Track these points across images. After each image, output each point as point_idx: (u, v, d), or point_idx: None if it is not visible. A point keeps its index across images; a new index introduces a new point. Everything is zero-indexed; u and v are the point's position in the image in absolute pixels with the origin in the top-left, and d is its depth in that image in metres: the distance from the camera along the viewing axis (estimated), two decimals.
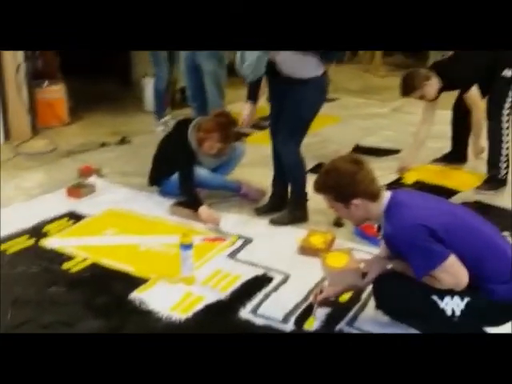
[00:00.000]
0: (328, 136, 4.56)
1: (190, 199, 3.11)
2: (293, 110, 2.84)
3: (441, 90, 3.54)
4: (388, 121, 5.16)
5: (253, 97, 3.03)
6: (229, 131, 3.10)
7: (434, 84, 3.47)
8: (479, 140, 3.56)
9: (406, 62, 8.00)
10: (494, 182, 3.47)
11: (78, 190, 3.39)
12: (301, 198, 3.04)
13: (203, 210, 3.01)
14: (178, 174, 3.15)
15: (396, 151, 4.23)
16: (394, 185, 3.43)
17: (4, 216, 3.06)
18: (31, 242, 2.80)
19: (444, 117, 3.96)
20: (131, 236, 2.89)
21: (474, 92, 3.42)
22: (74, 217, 3.11)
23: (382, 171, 3.62)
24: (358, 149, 4.27)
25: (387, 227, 1.94)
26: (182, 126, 3.26)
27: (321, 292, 2.21)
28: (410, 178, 3.64)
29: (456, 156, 3.90)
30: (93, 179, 3.61)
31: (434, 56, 5.14)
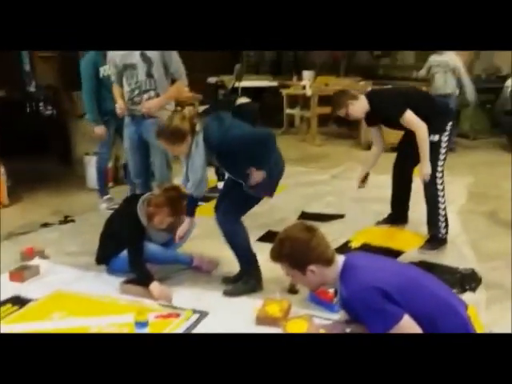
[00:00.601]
0: (274, 204, 4.64)
1: (140, 275, 3.04)
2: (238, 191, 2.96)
3: (370, 119, 3.72)
4: (329, 187, 5.35)
5: (191, 213, 3.11)
6: (179, 205, 3.11)
7: (359, 105, 3.61)
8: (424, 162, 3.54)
9: (340, 131, 8.46)
10: (435, 241, 3.63)
11: (21, 273, 3.24)
12: (250, 267, 3.06)
13: (154, 286, 2.95)
14: (127, 250, 3.09)
15: (340, 216, 4.37)
16: (343, 249, 3.51)
17: None
18: None
19: (387, 181, 4.15)
20: (81, 318, 2.77)
21: (408, 116, 3.46)
22: (19, 301, 2.95)
23: (329, 236, 3.72)
24: (304, 215, 4.38)
25: (342, 291, 1.98)
26: (131, 201, 3.24)
27: None
28: (356, 242, 3.75)
29: (397, 217, 4.06)
30: (36, 261, 3.47)
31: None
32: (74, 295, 3.05)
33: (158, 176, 3.93)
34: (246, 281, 3.04)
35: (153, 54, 3.63)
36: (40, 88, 7.47)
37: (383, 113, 3.61)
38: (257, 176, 2.87)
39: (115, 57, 3.73)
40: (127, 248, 3.08)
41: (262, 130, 3.02)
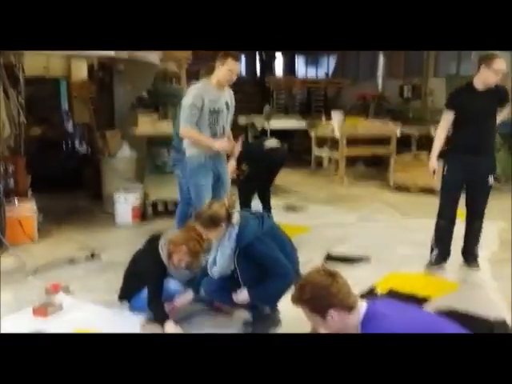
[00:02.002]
0: (299, 245, 4.60)
1: (156, 314, 3.04)
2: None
3: None
4: (356, 229, 5.29)
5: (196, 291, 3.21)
6: (197, 245, 3.13)
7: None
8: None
9: (368, 172, 8.42)
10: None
11: (44, 309, 3.27)
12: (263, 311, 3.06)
13: (169, 326, 2.94)
14: (147, 287, 3.11)
15: (366, 258, 4.29)
16: (368, 294, 3.43)
17: None
18: None
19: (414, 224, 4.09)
20: None
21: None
22: None
23: (354, 279, 3.66)
24: (329, 257, 4.32)
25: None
26: (154, 240, 3.27)
27: None
28: (382, 287, 3.66)
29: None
30: (60, 297, 3.50)
31: None
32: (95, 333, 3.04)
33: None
34: (262, 322, 3.02)
35: (231, 103, 4.05)
36: (76, 127, 7.75)
37: None
38: (240, 298, 2.94)
39: (202, 101, 3.87)
40: (147, 286, 3.09)
41: (286, 267, 2.94)
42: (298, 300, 2.02)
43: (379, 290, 3.60)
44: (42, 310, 3.26)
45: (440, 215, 3.97)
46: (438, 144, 3.92)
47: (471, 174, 3.84)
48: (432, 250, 4.03)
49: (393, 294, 3.48)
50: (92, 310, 3.38)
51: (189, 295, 3.17)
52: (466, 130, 3.77)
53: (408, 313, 2.06)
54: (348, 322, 1.96)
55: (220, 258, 2.97)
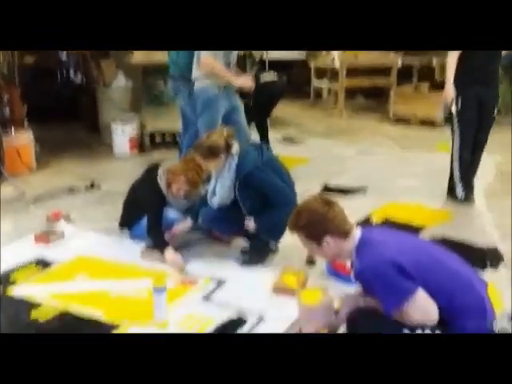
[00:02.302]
0: (297, 177, 4.62)
1: (155, 241, 3.10)
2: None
3: None
4: (354, 162, 5.29)
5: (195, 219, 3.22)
6: (195, 175, 3.14)
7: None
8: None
9: (368, 105, 8.31)
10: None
11: (46, 236, 3.33)
12: (256, 238, 3.09)
13: (168, 252, 3.00)
14: (146, 216, 3.15)
15: (363, 189, 4.33)
16: (364, 223, 3.48)
17: None
18: None
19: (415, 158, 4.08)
20: (102, 282, 2.84)
21: None
22: (43, 263, 3.05)
23: (350, 210, 3.70)
24: (327, 188, 4.35)
25: (356, 264, 1.98)
26: (153, 169, 3.28)
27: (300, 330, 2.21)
28: (378, 216, 3.71)
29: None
30: (61, 225, 3.55)
31: None
32: (97, 259, 3.12)
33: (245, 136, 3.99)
34: (259, 250, 3.08)
35: None
36: (70, 56, 7.54)
37: None
38: (249, 225, 2.97)
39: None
40: (146, 214, 3.13)
41: (288, 195, 2.97)
42: (294, 226, 2.06)
43: (375, 219, 3.66)
44: (43, 237, 3.32)
45: (463, 148, 3.92)
46: (451, 73, 3.84)
47: (480, 105, 3.83)
48: (453, 186, 4.01)
49: (388, 223, 3.54)
50: (93, 237, 3.45)
51: (188, 223, 3.21)
52: (476, 59, 3.70)
53: (402, 239, 2.10)
54: (343, 248, 2.01)
55: (220, 189, 2.99)
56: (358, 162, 5.30)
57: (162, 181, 3.17)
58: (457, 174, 3.99)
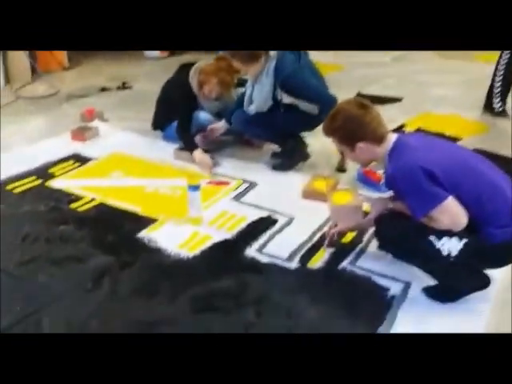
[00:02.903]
0: (331, 83, 4.52)
1: (185, 142, 3.14)
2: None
3: None
4: (389, 69, 5.13)
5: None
6: (227, 76, 3.09)
7: None
8: None
9: None
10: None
11: (82, 133, 3.40)
12: (285, 142, 3.09)
13: (197, 153, 3.05)
14: (178, 116, 3.17)
15: (397, 99, 4.23)
16: (396, 132, 3.43)
17: (8, 159, 3.09)
18: (38, 182, 2.83)
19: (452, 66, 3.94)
20: (137, 178, 2.93)
21: None
22: (80, 159, 3.14)
23: (384, 119, 3.65)
24: (361, 96, 4.26)
25: (388, 168, 1.98)
26: (184, 69, 3.24)
27: (334, 226, 2.29)
28: (412, 126, 3.66)
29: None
30: (96, 123, 3.61)
31: None
32: (132, 157, 3.20)
33: None
34: (290, 155, 3.09)
35: None
36: None
37: None
38: None
39: None
40: (177, 114, 3.15)
41: (328, 95, 2.88)
42: (328, 129, 2.04)
43: (408, 129, 3.61)
44: (79, 134, 3.39)
45: (510, 63, 3.76)
46: None
47: None
48: (491, 98, 3.88)
49: (422, 133, 3.49)
50: (128, 136, 3.51)
51: (222, 124, 3.21)
52: None
53: (437, 146, 2.07)
54: (376, 153, 2.00)
55: (257, 95, 2.93)
56: (394, 69, 5.13)
57: (193, 80, 3.15)
58: (497, 86, 3.85)
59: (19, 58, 4.47)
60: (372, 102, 3.99)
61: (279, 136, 3.07)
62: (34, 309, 1.89)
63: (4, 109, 3.93)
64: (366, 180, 2.87)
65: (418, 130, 3.58)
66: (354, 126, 1.95)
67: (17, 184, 2.80)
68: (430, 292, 2.03)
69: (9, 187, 2.76)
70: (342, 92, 4.25)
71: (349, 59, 5.34)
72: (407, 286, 2.08)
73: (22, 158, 3.13)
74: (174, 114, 3.21)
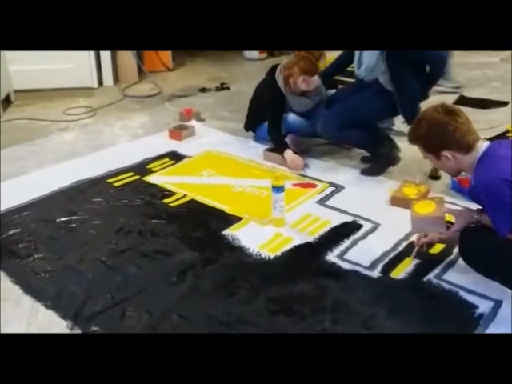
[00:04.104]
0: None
1: (275, 142, 3.17)
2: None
3: None
4: (497, 71, 4.81)
5: None
6: (308, 63, 3.09)
7: None
8: None
9: None
10: None
11: (179, 132, 3.56)
12: (376, 149, 3.00)
13: (288, 154, 3.06)
14: (267, 117, 3.21)
15: (503, 103, 3.96)
16: (501, 137, 3.23)
17: (111, 153, 3.32)
18: (136, 177, 3.01)
19: None
20: (226, 177, 3.01)
21: None
22: (175, 156, 3.29)
23: (488, 123, 3.45)
24: (463, 100, 4.05)
25: (473, 179, 1.87)
26: (273, 71, 3.29)
27: (425, 236, 2.21)
28: None
29: None
30: (193, 122, 3.76)
31: None
32: (224, 156, 3.30)
33: None
34: (380, 161, 3.01)
35: None
36: None
37: None
38: None
39: None
40: (267, 114, 3.19)
41: (440, 52, 2.77)
42: (412, 136, 1.97)
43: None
44: (177, 133, 3.56)
45: None
46: None
47: None
48: None
49: None
50: (221, 136, 3.62)
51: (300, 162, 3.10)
52: None
53: None
54: (463, 163, 1.89)
55: (367, 57, 2.84)
56: (503, 70, 4.80)
57: (279, 79, 3.19)
58: None
59: (127, 60, 4.78)
60: (475, 106, 3.84)
61: (370, 142, 3.00)
62: (121, 298, 2.02)
63: (112, 107, 4.22)
64: (460, 188, 2.73)
65: None
66: (437, 133, 1.86)
67: (117, 178, 3.00)
68: None
69: (110, 180, 2.97)
70: (443, 95, 4.09)
71: (453, 60, 5.08)
72: (498, 304, 1.95)
73: (125, 153, 3.34)
74: (265, 115, 3.26)
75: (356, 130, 2.93)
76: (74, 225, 2.52)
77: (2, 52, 4.11)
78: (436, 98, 3.60)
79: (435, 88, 4.15)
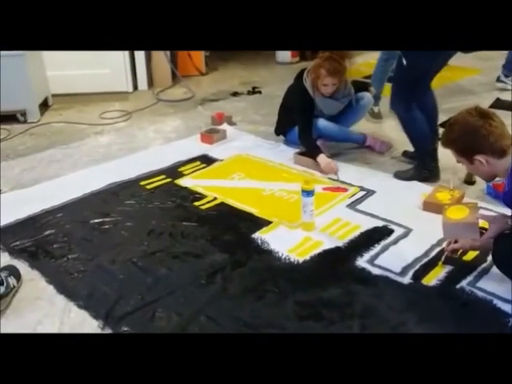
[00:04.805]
0: (466, 87, 4.26)
1: (308, 147, 3.16)
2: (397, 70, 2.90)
3: None
4: None
5: None
6: (333, 63, 3.06)
7: None
8: None
9: None
10: None
11: (210, 135, 3.59)
12: (425, 156, 2.93)
13: (322, 158, 3.05)
14: (298, 121, 3.21)
15: None
16: None
17: (144, 156, 3.38)
18: (167, 180, 3.05)
19: None
20: (256, 181, 3.02)
21: None
22: (206, 160, 3.32)
23: None
24: (498, 103, 3.95)
25: (507, 184, 1.82)
26: (300, 75, 3.28)
27: (455, 242, 2.17)
28: None
29: None
30: (224, 126, 3.79)
31: None
32: (254, 160, 3.31)
33: None
34: (419, 169, 2.95)
35: None
36: None
37: None
38: None
39: None
40: (297, 118, 3.18)
41: None
42: (445, 140, 1.95)
43: None
44: (208, 137, 3.59)
45: None
46: None
47: None
48: None
49: None
50: (252, 139, 3.64)
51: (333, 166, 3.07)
52: None
53: None
54: (497, 167, 1.85)
55: None
56: None
57: (307, 82, 3.18)
58: None
59: (162, 64, 4.86)
60: (511, 109, 3.74)
61: (427, 140, 2.91)
62: (151, 299, 2.04)
63: (146, 111, 4.29)
64: (496, 194, 2.66)
65: None
66: (470, 137, 1.83)
67: (150, 181, 3.04)
68: None
69: (142, 183, 3.02)
70: (478, 98, 4.01)
71: (486, 63, 4.97)
72: None
73: (157, 156, 3.39)
74: (295, 120, 3.25)
75: (423, 118, 2.87)
76: (106, 226, 2.57)
77: (40, 58, 4.24)
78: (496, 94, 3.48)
79: (497, 84, 4.08)
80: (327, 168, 3.02)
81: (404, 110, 2.86)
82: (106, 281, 2.17)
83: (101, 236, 2.50)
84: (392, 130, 3.21)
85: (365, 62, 4.99)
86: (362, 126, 3.56)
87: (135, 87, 4.82)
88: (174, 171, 3.16)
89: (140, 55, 4.75)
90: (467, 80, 4.39)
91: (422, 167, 2.94)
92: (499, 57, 5.19)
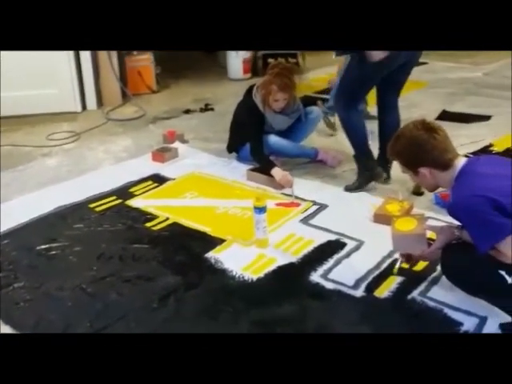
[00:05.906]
0: (414, 101, 4.38)
1: (260, 162, 3.16)
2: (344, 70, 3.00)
3: None
4: (479, 87, 4.86)
5: None
6: (284, 79, 3.11)
7: None
8: None
9: None
10: None
11: (162, 154, 3.55)
12: (363, 157, 2.99)
13: (276, 171, 3.05)
14: (249, 137, 3.22)
15: (486, 117, 3.99)
16: (483, 152, 3.26)
17: (94, 178, 3.30)
18: (118, 202, 2.98)
19: None
20: (209, 199, 2.99)
21: None
22: (158, 179, 3.27)
23: (470, 138, 3.47)
24: (445, 114, 4.08)
25: (451, 197, 1.87)
26: (249, 91, 3.30)
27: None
28: (500, 146, 3.43)
29: None
30: (176, 144, 3.75)
31: None
32: (207, 177, 3.29)
33: None
34: (361, 173, 3.00)
35: None
36: None
37: None
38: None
39: None
40: (248, 135, 3.19)
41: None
42: (391, 151, 1.98)
43: (496, 149, 3.39)
44: (159, 156, 3.54)
45: None
46: None
47: None
48: None
49: (509, 154, 3.26)
50: (204, 157, 3.61)
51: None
52: None
53: (507, 171, 1.90)
54: (441, 179, 1.90)
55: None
56: (484, 86, 4.85)
57: (257, 98, 3.20)
58: None
59: (111, 83, 4.78)
60: (457, 120, 3.87)
61: (366, 144, 2.99)
62: (101, 325, 1.98)
63: (96, 130, 4.21)
64: (444, 204, 2.73)
65: (508, 151, 3.34)
66: (415, 150, 1.87)
67: (99, 203, 2.96)
68: (507, 328, 1.87)
69: (92, 205, 2.94)
70: (425, 109, 4.12)
71: (434, 75, 5.14)
72: (482, 321, 1.94)
73: (107, 177, 3.31)
74: (246, 136, 3.26)
75: (363, 122, 2.97)
76: (54, 252, 2.49)
77: None
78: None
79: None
80: (283, 180, 3.02)
81: (343, 108, 2.93)
82: (54, 309, 2.09)
83: (48, 262, 2.42)
84: (346, 143, 3.25)
85: (317, 77, 5.08)
86: (315, 140, 3.59)
87: (84, 107, 4.72)
88: (124, 192, 3.10)
89: (88, 73, 4.65)
90: (415, 93, 4.51)
91: (364, 169, 3.00)
92: (445, 70, 5.40)
